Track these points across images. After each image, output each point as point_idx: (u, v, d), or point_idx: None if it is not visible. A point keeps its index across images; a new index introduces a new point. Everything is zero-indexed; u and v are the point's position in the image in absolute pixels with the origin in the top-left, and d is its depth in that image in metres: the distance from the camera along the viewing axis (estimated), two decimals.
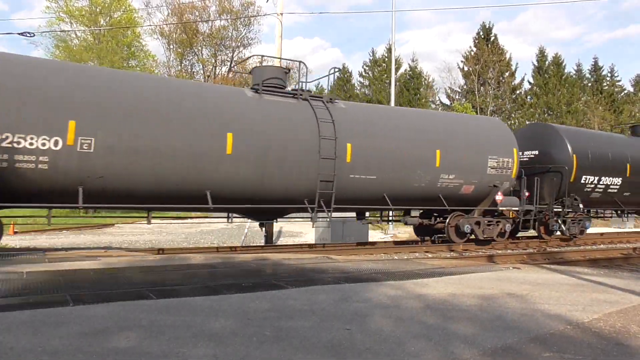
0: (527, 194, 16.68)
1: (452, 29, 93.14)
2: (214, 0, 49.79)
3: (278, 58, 18.09)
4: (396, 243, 17.01)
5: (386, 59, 55.12)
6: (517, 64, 58.10)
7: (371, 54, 61.07)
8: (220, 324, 4.70)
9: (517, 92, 56.52)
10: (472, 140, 14.86)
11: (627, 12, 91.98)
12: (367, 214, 15.67)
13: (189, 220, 29.92)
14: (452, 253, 14.45)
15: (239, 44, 52.74)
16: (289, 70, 14.17)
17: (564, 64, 57.37)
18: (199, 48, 52.48)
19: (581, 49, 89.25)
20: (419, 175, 13.66)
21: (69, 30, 42.66)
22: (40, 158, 9.24)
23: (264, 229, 16.18)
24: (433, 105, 56.74)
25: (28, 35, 22.10)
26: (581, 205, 17.41)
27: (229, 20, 49.85)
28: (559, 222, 17.37)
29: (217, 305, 5.49)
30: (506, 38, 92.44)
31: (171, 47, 51.74)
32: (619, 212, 20.80)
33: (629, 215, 21.70)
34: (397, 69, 50.65)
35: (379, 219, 16.68)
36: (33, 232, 21.37)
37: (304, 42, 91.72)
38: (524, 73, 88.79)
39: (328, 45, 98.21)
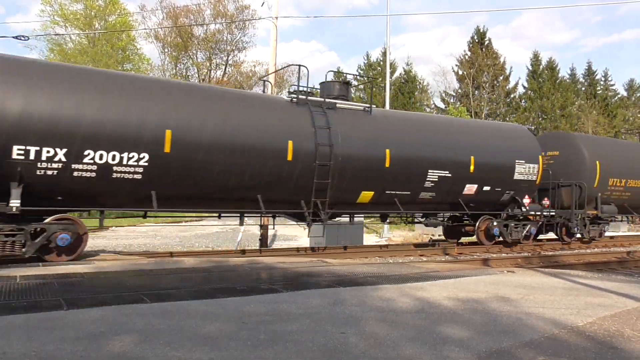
0: None
1: (448, 33, 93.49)
2: (209, 4, 49.85)
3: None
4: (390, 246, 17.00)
5: (381, 63, 55.23)
6: (511, 67, 58.40)
7: (366, 58, 61.29)
8: (215, 328, 4.70)
9: (512, 96, 56.76)
10: None
11: (623, 17, 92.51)
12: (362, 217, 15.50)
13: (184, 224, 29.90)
14: (447, 257, 14.47)
15: (234, 48, 52.82)
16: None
17: (558, 68, 57.71)
18: (194, 52, 52.50)
19: (576, 53, 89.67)
20: None
21: (63, 34, 42.54)
22: None
23: (259, 232, 16.16)
24: (428, 109, 56.87)
25: (22, 38, 22.13)
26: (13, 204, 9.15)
27: (224, 24, 49.89)
28: None
29: (211, 309, 5.48)
30: (502, 42, 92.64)
31: (166, 50, 51.76)
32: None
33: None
34: (391, 73, 50.71)
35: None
36: None
37: (301, 46, 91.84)
38: (518, 77, 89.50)
39: (325, 49, 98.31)
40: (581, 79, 60.36)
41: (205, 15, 50.79)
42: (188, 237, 21.93)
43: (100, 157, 9.78)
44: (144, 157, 10.18)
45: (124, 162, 10.02)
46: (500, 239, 16.12)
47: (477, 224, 15.81)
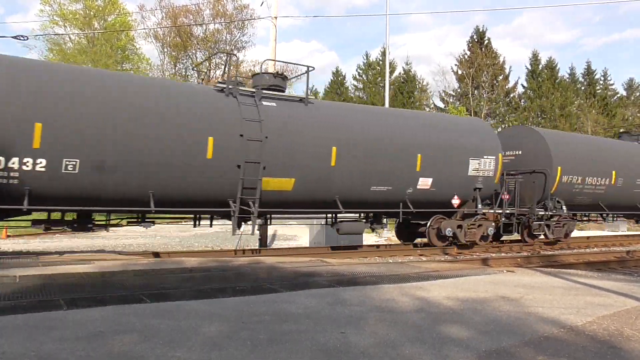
0: None
1: (448, 32, 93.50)
2: (208, 4, 49.78)
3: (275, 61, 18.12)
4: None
5: (380, 62, 55.22)
6: (510, 67, 58.42)
7: (365, 57, 61.31)
8: (215, 328, 4.69)
9: (511, 95, 56.74)
10: None
11: (623, 17, 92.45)
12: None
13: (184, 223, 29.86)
14: (446, 256, 14.47)
15: (233, 47, 52.73)
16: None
17: (557, 68, 57.71)
18: (193, 51, 52.45)
19: (576, 53, 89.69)
20: None
21: (62, 34, 42.49)
22: None
23: (258, 232, 16.15)
24: (427, 109, 56.82)
25: (21, 38, 22.12)
26: None
27: (223, 23, 49.83)
28: None
29: (211, 309, 5.48)
30: (503, 41, 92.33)
31: (165, 50, 51.68)
32: None
33: None
34: (391, 72, 50.71)
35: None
36: (26, 235, 21.23)
37: (301, 45, 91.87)
38: (518, 76, 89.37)
39: (325, 49, 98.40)
40: (580, 79, 60.43)
41: (204, 15, 50.75)
42: (187, 237, 21.91)
43: None
44: None
45: None
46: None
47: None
